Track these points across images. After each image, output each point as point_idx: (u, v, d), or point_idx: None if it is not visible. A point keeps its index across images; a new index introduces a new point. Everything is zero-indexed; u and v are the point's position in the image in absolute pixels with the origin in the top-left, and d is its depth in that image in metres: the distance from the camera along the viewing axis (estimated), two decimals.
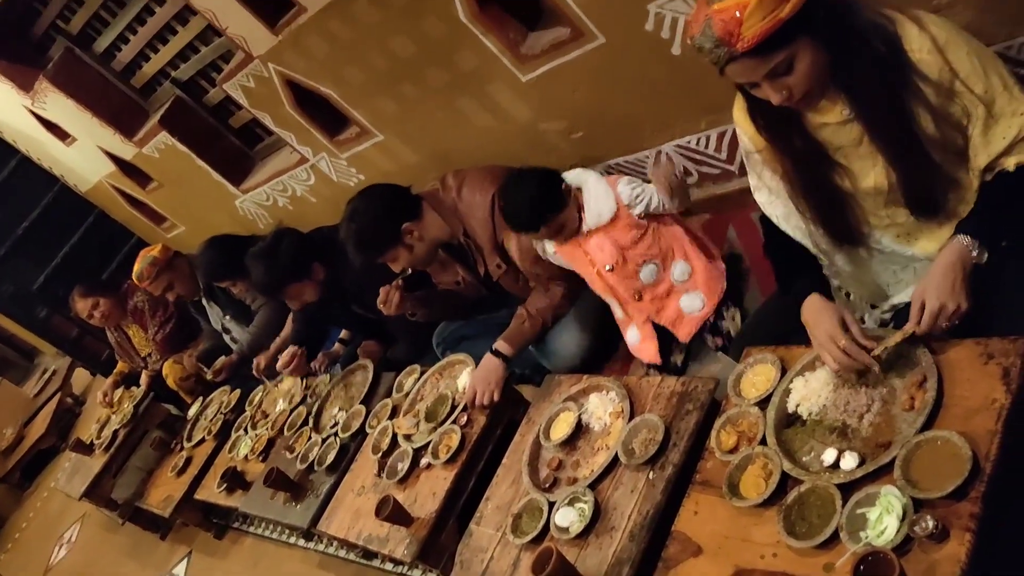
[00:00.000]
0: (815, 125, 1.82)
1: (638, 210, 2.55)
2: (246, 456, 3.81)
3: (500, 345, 2.82)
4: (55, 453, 7.65)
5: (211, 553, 4.44)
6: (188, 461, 4.28)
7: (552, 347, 2.99)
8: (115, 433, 5.02)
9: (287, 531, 3.96)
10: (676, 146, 3.13)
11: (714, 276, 2.62)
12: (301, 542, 3.85)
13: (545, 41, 2.97)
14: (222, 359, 4.57)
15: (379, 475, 2.92)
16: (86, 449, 5.23)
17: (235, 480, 3.71)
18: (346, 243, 3.00)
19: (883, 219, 1.90)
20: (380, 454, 2.96)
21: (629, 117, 3.10)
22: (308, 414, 3.58)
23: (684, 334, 2.63)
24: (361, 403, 3.32)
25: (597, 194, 2.57)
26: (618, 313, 2.73)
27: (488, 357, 2.81)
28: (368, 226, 2.94)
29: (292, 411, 3.73)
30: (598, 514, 2.11)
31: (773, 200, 2.00)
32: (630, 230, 2.56)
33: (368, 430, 3.16)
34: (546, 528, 2.19)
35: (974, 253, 1.71)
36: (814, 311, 1.86)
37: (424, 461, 2.80)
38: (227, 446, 4.05)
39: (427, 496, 2.69)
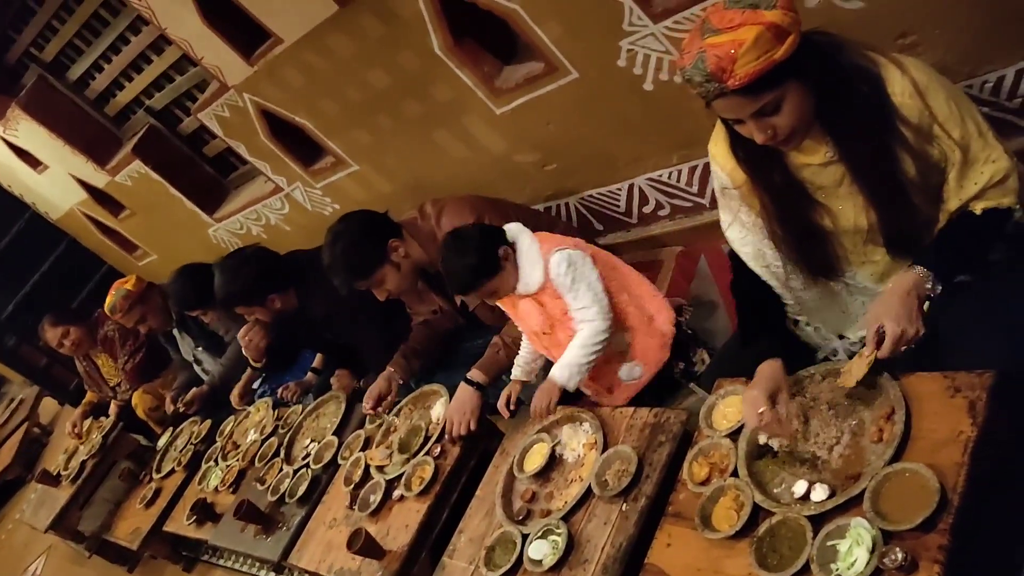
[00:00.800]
0: (796, 165, 1.85)
1: (562, 288, 2.44)
2: (216, 488, 3.76)
3: (474, 374, 2.78)
4: (21, 484, 7.50)
5: None
6: (157, 493, 4.22)
7: None
8: (83, 464, 4.95)
9: (257, 564, 3.90)
10: (648, 179, 3.16)
11: (654, 346, 2.56)
12: (272, 575, 3.80)
13: (519, 75, 3.00)
14: (194, 391, 4.53)
15: (351, 507, 2.89)
16: (53, 480, 5.14)
17: (205, 512, 3.66)
18: (331, 269, 2.95)
19: (860, 256, 1.94)
20: (352, 486, 2.93)
21: (602, 150, 3.14)
22: (279, 445, 3.55)
23: (622, 399, 2.58)
24: (333, 434, 3.30)
25: (528, 260, 2.48)
26: None
27: (463, 387, 2.79)
28: (353, 246, 2.90)
29: (263, 442, 3.70)
30: (571, 546, 2.10)
31: (745, 237, 2.02)
32: (556, 301, 2.48)
33: (340, 461, 3.14)
34: (519, 561, 2.18)
35: (928, 285, 1.74)
36: (759, 375, 1.88)
37: (397, 493, 2.78)
38: (197, 477, 4.00)
39: (400, 528, 2.67)
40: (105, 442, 4.97)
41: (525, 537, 2.21)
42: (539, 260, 2.47)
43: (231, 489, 3.66)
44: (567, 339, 2.49)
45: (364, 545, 2.58)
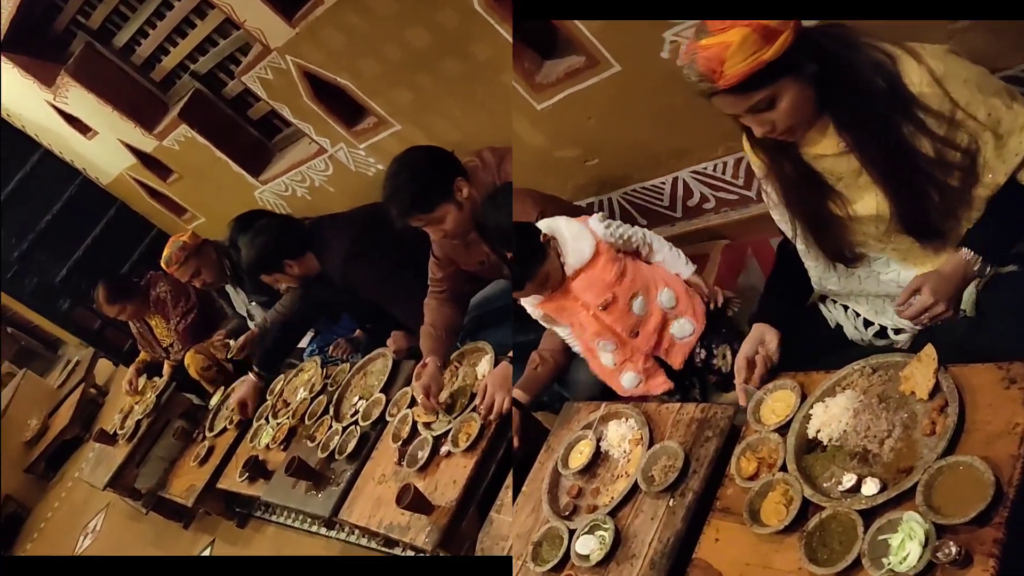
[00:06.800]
0: (812, 155, 1.85)
1: (614, 239, 2.47)
2: (267, 445, 3.83)
3: (517, 394, 2.69)
4: (79, 443, 7.74)
5: (234, 542, 4.49)
6: (210, 450, 4.31)
7: (572, 376, 2.87)
8: (138, 423, 5.07)
9: (309, 519, 3.99)
10: (692, 172, 3.10)
11: (696, 299, 2.55)
12: (323, 530, 3.89)
13: (560, 70, 2.94)
14: (243, 336, 4.62)
15: (399, 463, 2.92)
16: (109, 439, 5.27)
17: (257, 469, 3.74)
18: (391, 199, 2.74)
19: (887, 244, 1.91)
20: (400, 442, 2.96)
21: (645, 144, 3.07)
22: (328, 403, 3.60)
23: (678, 361, 2.54)
24: (381, 391, 3.33)
25: (572, 234, 2.45)
26: (607, 360, 2.58)
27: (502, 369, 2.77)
28: (419, 177, 2.70)
29: (313, 400, 3.75)
30: (618, 542, 2.08)
31: (782, 220, 2.04)
32: (612, 265, 2.44)
33: (388, 418, 3.17)
34: (566, 556, 2.15)
35: (975, 267, 1.74)
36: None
37: (444, 449, 2.80)
38: (249, 435, 4.08)
39: (447, 484, 2.70)
40: (159, 401, 5.09)
41: (572, 532, 2.19)
42: (583, 228, 2.48)
43: (282, 447, 3.71)
44: (627, 304, 2.45)
45: (413, 500, 2.61)
